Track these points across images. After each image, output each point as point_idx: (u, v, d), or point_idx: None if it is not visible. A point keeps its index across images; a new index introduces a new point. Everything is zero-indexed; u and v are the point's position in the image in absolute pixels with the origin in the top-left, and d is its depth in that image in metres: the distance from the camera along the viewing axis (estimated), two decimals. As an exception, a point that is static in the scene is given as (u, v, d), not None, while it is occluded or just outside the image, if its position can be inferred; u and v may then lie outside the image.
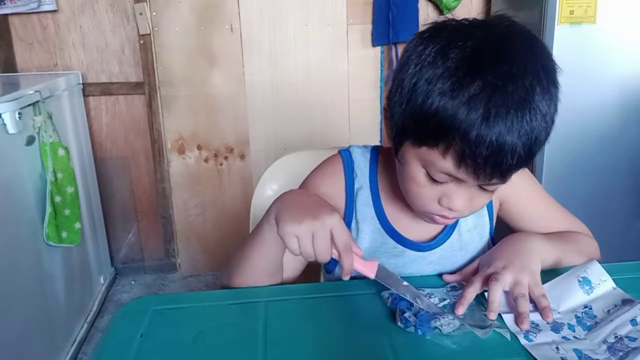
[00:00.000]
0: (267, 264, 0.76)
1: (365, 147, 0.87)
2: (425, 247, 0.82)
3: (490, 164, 0.62)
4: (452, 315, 0.66)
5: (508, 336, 0.64)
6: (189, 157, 2.36)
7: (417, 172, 0.69)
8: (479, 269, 0.76)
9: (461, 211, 0.70)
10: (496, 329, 0.64)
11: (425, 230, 0.83)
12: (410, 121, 0.66)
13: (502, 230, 0.90)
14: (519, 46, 0.63)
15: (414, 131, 0.66)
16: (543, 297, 0.68)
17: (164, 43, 2.21)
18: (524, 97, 0.61)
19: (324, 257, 0.65)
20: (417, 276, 0.79)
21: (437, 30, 0.66)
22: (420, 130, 0.65)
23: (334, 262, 0.85)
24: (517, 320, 0.66)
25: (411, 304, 0.68)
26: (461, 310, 0.67)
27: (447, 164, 0.64)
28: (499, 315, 0.68)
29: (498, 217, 0.89)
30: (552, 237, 0.82)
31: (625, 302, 0.69)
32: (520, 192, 0.86)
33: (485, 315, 0.67)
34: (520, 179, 0.85)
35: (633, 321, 0.65)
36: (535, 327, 0.66)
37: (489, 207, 0.85)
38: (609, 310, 0.69)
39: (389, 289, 0.70)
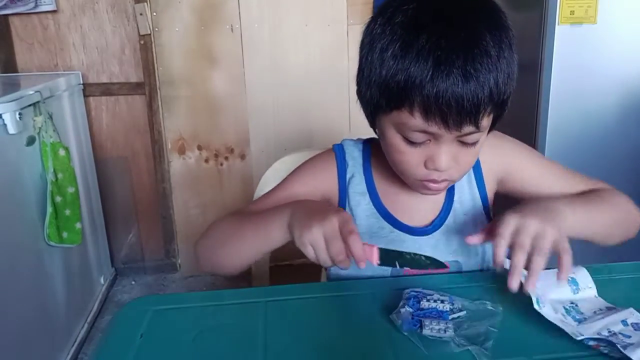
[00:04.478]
0: (257, 254, 0.77)
1: (359, 138, 0.89)
2: (422, 232, 0.83)
3: (455, 109, 0.64)
4: (450, 323, 0.65)
5: None
6: (189, 157, 2.36)
7: (395, 139, 0.71)
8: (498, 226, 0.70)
9: (448, 170, 0.71)
10: (472, 350, 0.61)
11: (422, 214, 0.84)
12: (376, 92, 0.69)
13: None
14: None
15: (380, 100, 0.69)
16: (567, 252, 0.65)
17: (165, 43, 2.21)
18: (471, 40, 0.63)
19: (339, 258, 0.64)
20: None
21: (384, 6, 0.70)
22: (385, 97, 0.68)
23: None
24: (509, 273, 0.64)
25: (419, 302, 0.68)
26: (528, 282, 0.64)
27: (416, 120, 0.66)
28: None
29: (504, 200, 0.89)
30: (578, 198, 0.80)
31: (610, 309, 0.70)
32: (520, 165, 0.85)
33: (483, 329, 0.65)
34: (521, 154, 0.86)
35: (624, 322, 0.66)
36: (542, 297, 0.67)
37: (482, 189, 0.85)
38: (595, 312, 0.69)
39: (398, 312, 0.68)
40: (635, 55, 1.80)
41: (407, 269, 0.80)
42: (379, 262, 0.66)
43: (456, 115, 0.64)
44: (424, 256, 0.67)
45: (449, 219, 0.84)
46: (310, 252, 0.66)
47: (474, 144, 0.70)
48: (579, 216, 0.74)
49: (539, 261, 0.64)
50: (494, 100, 0.66)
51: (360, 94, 0.75)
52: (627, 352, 0.59)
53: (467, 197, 0.85)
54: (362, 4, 2.25)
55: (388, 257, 0.67)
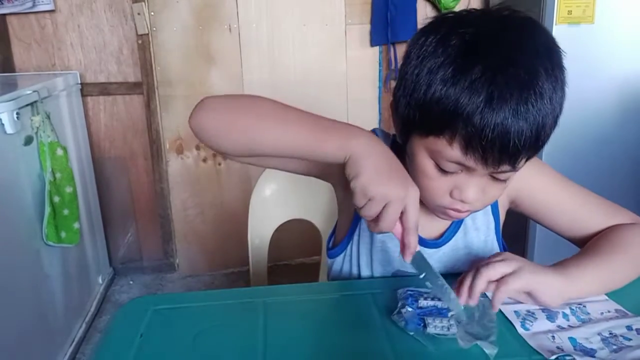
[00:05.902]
0: (290, 151, 0.68)
1: (388, 132, 0.86)
2: (432, 245, 0.82)
3: (498, 148, 0.61)
4: (452, 320, 0.65)
5: (493, 353, 0.60)
6: (187, 157, 2.35)
7: (426, 164, 0.68)
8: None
9: (473, 203, 0.69)
10: (480, 344, 0.61)
11: (434, 227, 0.83)
12: (416, 112, 0.66)
13: (511, 232, 0.89)
14: (518, 30, 0.64)
15: (419, 122, 0.66)
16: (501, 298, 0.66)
17: (162, 43, 2.21)
18: (527, 79, 0.61)
19: (387, 227, 0.62)
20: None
21: (437, 22, 0.67)
22: (426, 120, 0.65)
23: (340, 249, 0.85)
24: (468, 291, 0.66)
25: (416, 300, 0.68)
26: (462, 299, 0.66)
27: (454, 151, 0.64)
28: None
29: (510, 214, 0.88)
30: (588, 256, 0.74)
31: (618, 311, 0.70)
32: (533, 184, 0.82)
33: (488, 324, 0.64)
34: (532, 171, 0.81)
35: (629, 327, 0.66)
36: (531, 314, 0.67)
37: (494, 206, 0.84)
38: (602, 313, 0.70)
39: (400, 312, 0.68)
40: (632, 55, 1.81)
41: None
42: (409, 260, 0.65)
43: (498, 153, 0.62)
44: (453, 295, 0.66)
45: (459, 233, 0.83)
46: (360, 202, 0.61)
47: (505, 180, 0.69)
48: (590, 284, 0.72)
49: (498, 298, 0.65)
50: (538, 143, 0.64)
51: (395, 108, 0.71)
52: (619, 354, 0.59)
53: (479, 213, 0.82)
54: (360, 4, 2.25)
55: (421, 262, 0.65)
